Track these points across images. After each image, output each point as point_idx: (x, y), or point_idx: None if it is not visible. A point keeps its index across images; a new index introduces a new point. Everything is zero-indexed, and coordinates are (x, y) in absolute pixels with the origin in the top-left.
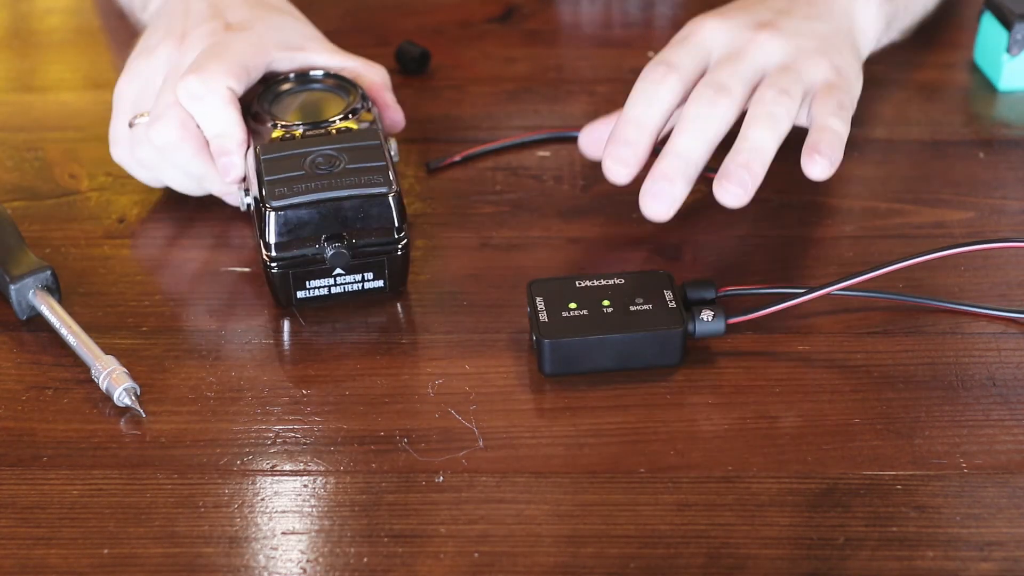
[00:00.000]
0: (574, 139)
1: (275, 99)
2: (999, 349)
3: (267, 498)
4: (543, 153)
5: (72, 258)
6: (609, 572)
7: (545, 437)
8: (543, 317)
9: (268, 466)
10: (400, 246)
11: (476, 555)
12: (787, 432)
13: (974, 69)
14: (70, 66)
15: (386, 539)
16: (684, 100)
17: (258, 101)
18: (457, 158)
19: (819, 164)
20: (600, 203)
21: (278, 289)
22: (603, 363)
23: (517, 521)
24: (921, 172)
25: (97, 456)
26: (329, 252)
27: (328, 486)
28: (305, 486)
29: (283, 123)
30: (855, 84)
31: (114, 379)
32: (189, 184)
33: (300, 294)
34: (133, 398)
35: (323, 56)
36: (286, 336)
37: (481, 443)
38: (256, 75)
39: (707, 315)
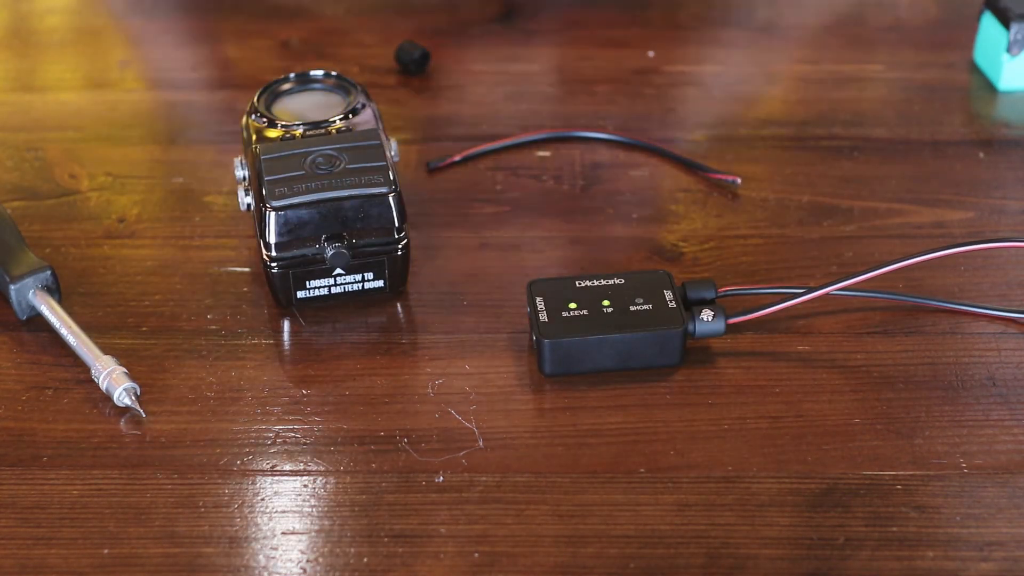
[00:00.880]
0: (574, 139)
1: (275, 99)
2: (999, 349)
3: (267, 498)
4: (543, 153)
5: (72, 258)
6: (609, 572)
7: (545, 437)
8: (543, 317)
9: (268, 466)
10: (400, 246)
11: (476, 555)
12: (787, 432)
13: (974, 69)
14: (70, 66)
15: (386, 539)
16: None
17: (257, 101)
18: (457, 158)
19: None
20: (600, 203)
21: (278, 289)
22: (603, 363)
23: (517, 521)
24: (921, 172)
25: (97, 456)
26: (329, 252)
27: (328, 486)
28: (305, 486)
29: (283, 123)
30: None
31: (114, 379)
32: None
33: (300, 294)
34: (133, 398)
35: None
36: (286, 336)
37: (481, 443)
38: None
39: (707, 315)
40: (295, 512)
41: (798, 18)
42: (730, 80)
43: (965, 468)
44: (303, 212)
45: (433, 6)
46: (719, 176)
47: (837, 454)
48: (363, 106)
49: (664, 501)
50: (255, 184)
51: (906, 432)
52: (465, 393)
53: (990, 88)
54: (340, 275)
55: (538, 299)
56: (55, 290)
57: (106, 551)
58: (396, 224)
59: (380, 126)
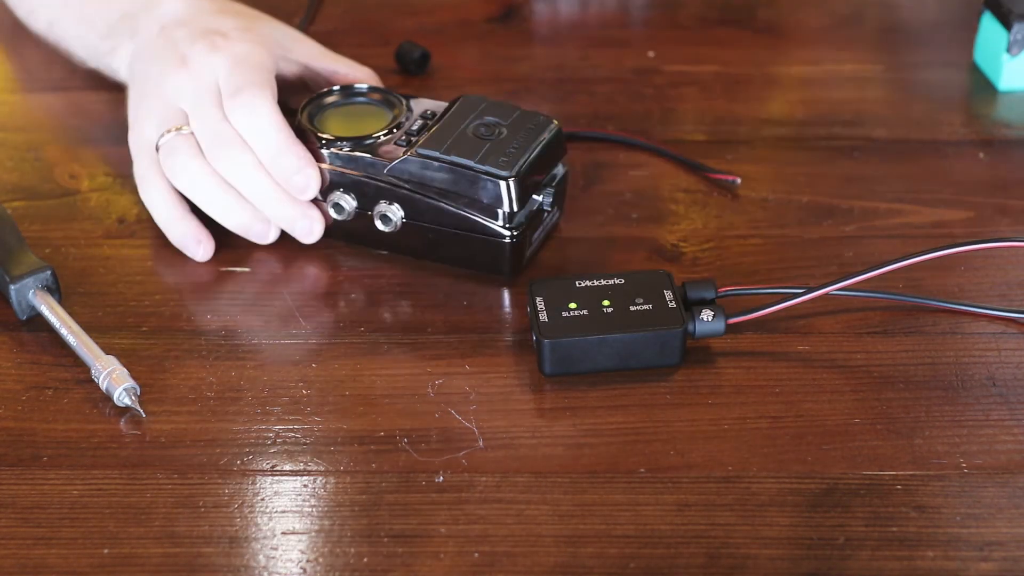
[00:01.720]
0: (574, 139)
1: (319, 112)
2: (999, 349)
3: (267, 498)
4: None
5: (72, 258)
6: (609, 572)
7: (545, 437)
8: (543, 317)
9: (268, 466)
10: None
11: (476, 555)
12: (787, 432)
13: (974, 69)
14: (70, 66)
15: (386, 539)
16: None
17: (302, 114)
18: None
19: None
20: (600, 203)
21: (508, 259)
22: (603, 363)
23: (517, 521)
24: (921, 172)
25: (97, 456)
26: (546, 199)
27: (328, 486)
28: (305, 486)
29: (326, 138)
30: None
31: (114, 379)
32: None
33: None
34: (133, 398)
35: (314, 55)
36: (286, 336)
37: (481, 443)
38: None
39: (707, 315)
40: (295, 512)
41: (798, 18)
42: (730, 80)
43: (965, 468)
44: (529, 175)
45: (433, 6)
46: (719, 176)
47: (837, 454)
48: (406, 119)
49: (664, 501)
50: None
51: (906, 432)
52: (465, 393)
53: (990, 88)
54: (544, 221)
55: (538, 299)
56: (55, 290)
57: (106, 551)
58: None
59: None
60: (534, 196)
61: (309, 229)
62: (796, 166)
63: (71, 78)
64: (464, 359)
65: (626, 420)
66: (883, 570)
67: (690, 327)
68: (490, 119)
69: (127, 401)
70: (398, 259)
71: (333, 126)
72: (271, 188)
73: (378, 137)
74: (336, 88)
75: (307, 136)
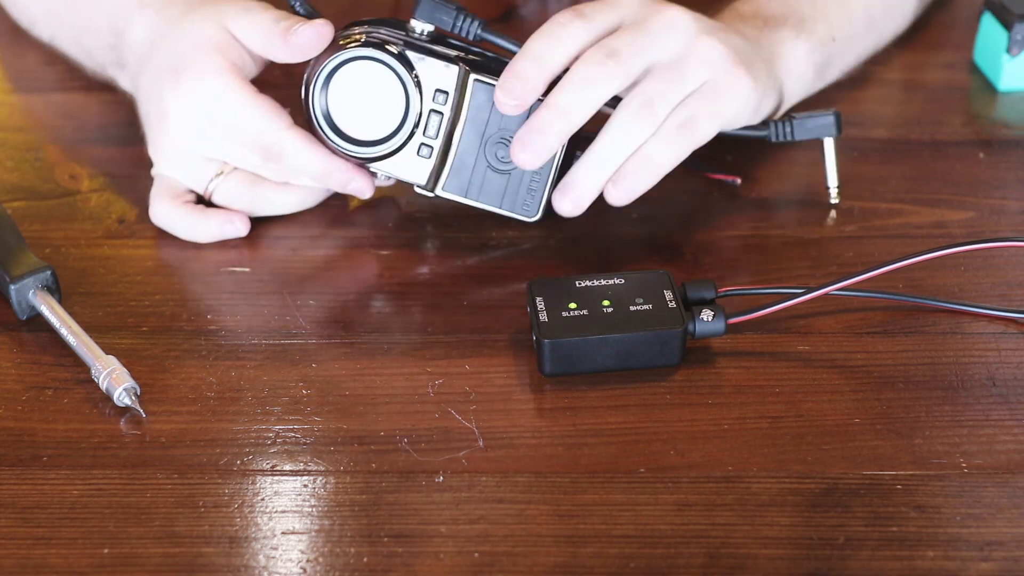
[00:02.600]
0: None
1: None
2: (999, 349)
3: (267, 498)
4: None
5: (72, 258)
6: (609, 572)
7: (545, 437)
8: (543, 317)
9: (268, 466)
10: None
11: (476, 555)
12: (787, 432)
13: (974, 69)
14: (70, 66)
15: (386, 539)
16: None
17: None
18: None
19: (613, 194)
20: (600, 203)
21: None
22: (603, 363)
23: (517, 521)
24: (921, 172)
25: (97, 456)
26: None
27: (328, 486)
28: (305, 486)
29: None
30: (757, 82)
31: (114, 379)
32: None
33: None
34: (133, 398)
35: (253, 40)
36: (286, 336)
37: (481, 443)
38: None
39: (707, 315)
40: (295, 512)
41: None
42: None
43: (965, 468)
44: None
45: None
46: (719, 176)
47: (837, 454)
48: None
49: (664, 501)
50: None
51: (906, 432)
52: (465, 393)
53: (990, 88)
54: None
55: (538, 299)
56: (55, 290)
57: (106, 551)
58: None
59: None
60: None
61: (362, 188)
62: (797, 166)
63: (71, 78)
64: (464, 359)
65: (626, 420)
66: (883, 570)
67: (690, 327)
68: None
69: (127, 401)
70: (398, 259)
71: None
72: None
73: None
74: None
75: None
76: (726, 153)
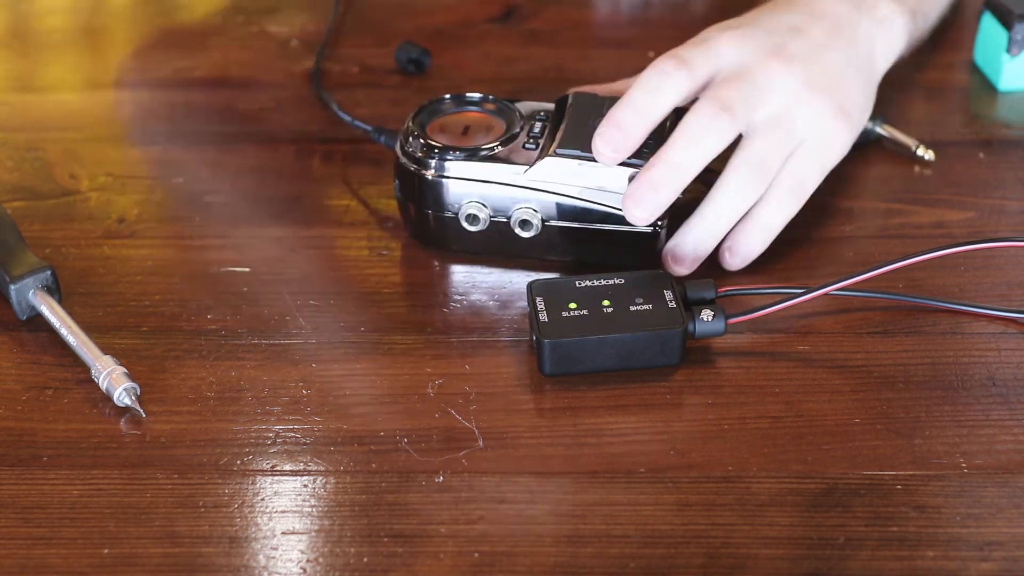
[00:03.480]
0: None
1: (431, 118)
2: (999, 349)
3: (267, 498)
4: None
5: (72, 258)
6: (609, 572)
7: (545, 437)
8: (543, 317)
9: (268, 466)
10: None
11: (476, 555)
12: (787, 432)
13: (974, 69)
14: (70, 66)
15: (386, 539)
16: (688, 100)
17: (413, 120)
18: None
19: (729, 260)
20: None
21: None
22: (603, 363)
23: (517, 521)
24: (921, 172)
25: (97, 456)
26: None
27: (328, 486)
28: (305, 486)
29: (436, 146)
30: (855, 124)
31: (114, 379)
32: None
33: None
34: (133, 398)
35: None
36: (286, 336)
37: (481, 443)
38: None
39: (707, 315)
40: (295, 512)
41: None
42: None
43: (965, 468)
44: None
45: (433, 6)
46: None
47: (837, 454)
48: (522, 130)
49: (664, 501)
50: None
51: (906, 432)
52: (465, 393)
53: (990, 88)
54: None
55: (538, 299)
56: (55, 290)
57: (106, 551)
58: None
59: None
60: None
61: None
62: None
63: (71, 78)
64: (464, 359)
65: (626, 420)
66: (883, 570)
67: (690, 327)
68: None
69: (127, 401)
70: (398, 259)
71: (447, 135)
72: None
73: (497, 143)
74: (448, 97)
75: (423, 146)
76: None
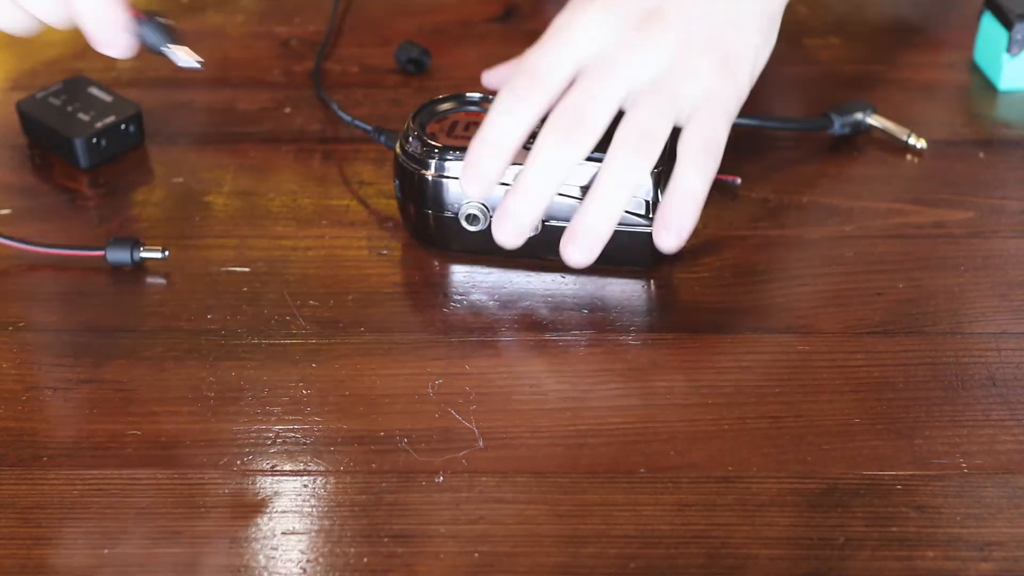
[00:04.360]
0: None
1: (431, 118)
2: (999, 349)
3: (267, 498)
4: None
5: (71, 258)
6: (609, 572)
7: (545, 437)
8: None
9: (268, 466)
10: None
11: (476, 555)
12: (787, 432)
13: (974, 69)
14: (70, 66)
15: (386, 539)
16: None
17: (413, 120)
18: None
19: (666, 239)
20: None
21: (653, 250)
22: None
23: (517, 521)
24: (921, 172)
25: (97, 456)
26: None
27: (328, 486)
28: (305, 486)
29: (437, 147)
30: (744, 75)
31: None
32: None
33: None
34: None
35: None
36: (286, 336)
37: (481, 443)
38: None
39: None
40: (295, 512)
41: (797, 18)
42: None
43: (965, 468)
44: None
45: (433, 6)
46: (719, 176)
47: (837, 454)
48: None
49: (664, 501)
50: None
51: (906, 432)
52: (465, 393)
53: (990, 88)
54: None
55: None
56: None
57: (106, 551)
58: None
59: None
60: None
61: (121, 49)
62: (796, 166)
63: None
64: (464, 359)
65: (626, 420)
66: (883, 570)
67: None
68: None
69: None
70: (397, 259)
71: (447, 136)
72: None
73: None
74: (448, 96)
75: (424, 145)
76: (726, 153)
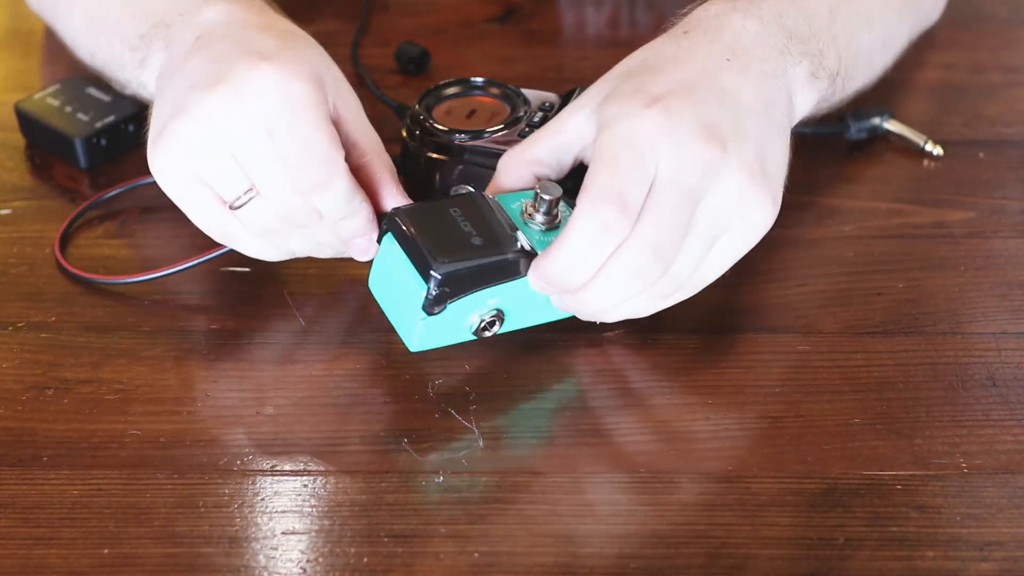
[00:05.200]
0: None
1: (437, 102)
2: (999, 349)
3: (267, 498)
4: None
5: (72, 258)
6: (609, 572)
7: (546, 437)
8: None
9: (268, 466)
10: None
11: (476, 555)
12: (787, 432)
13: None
14: (70, 66)
15: (386, 539)
16: None
17: (419, 106)
18: None
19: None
20: None
21: None
22: None
23: (517, 521)
24: (921, 172)
25: (97, 456)
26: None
27: (328, 486)
28: (305, 486)
29: (441, 128)
30: (777, 191)
31: None
32: (316, 249)
33: None
34: None
35: (351, 112)
36: (286, 336)
37: (481, 443)
38: None
39: None
40: (295, 512)
41: None
42: None
43: (965, 468)
44: None
45: (433, 6)
46: None
47: (837, 454)
48: (524, 112)
49: (664, 501)
50: None
51: (906, 432)
52: (465, 393)
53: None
54: None
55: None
56: None
57: (106, 551)
58: None
59: None
60: None
61: (365, 249)
62: (796, 166)
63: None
64: (464, 359)
65: (626, 420)
66: (883, 570)
67: None
68: None
69: None
70: None
71: (452, 118)
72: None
73: (499, 129)
74: (453, 80)
75: (426, 128)
76: None
